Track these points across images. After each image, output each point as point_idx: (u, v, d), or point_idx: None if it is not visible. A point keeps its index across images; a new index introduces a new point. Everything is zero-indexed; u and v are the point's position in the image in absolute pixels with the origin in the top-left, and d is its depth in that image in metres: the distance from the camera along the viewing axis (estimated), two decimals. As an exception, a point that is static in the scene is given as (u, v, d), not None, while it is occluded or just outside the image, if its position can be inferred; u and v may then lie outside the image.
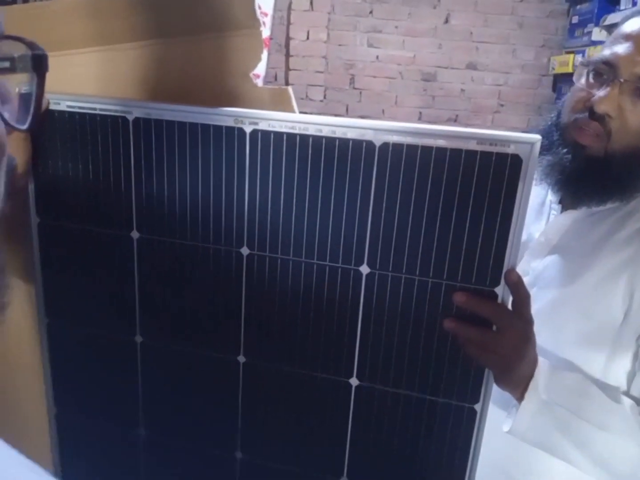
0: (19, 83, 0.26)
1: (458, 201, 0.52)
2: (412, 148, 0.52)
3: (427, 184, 0.52)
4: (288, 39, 3.04)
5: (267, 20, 2.92)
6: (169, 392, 0.66)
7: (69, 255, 0.64)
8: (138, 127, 0.56)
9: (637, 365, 0.66)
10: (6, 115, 0.24)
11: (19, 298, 0.67)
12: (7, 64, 0.23)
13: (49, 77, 0.29)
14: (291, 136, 0.53)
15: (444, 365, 0.57)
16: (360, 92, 3.23)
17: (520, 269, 0.75)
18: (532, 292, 0.72)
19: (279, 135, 0.54)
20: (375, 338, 0.57)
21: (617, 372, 0.67)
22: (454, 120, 3.13)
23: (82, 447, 0.71)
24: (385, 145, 0.52)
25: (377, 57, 3.11)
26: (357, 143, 0.53)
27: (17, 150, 0.59)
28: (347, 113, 3.17)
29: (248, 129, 0.54)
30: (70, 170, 0.60)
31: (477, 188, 0.51)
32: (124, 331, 0.64)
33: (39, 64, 0.25)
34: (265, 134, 0.54)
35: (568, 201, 0.75)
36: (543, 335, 0.67)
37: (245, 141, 0.54)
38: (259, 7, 0.61)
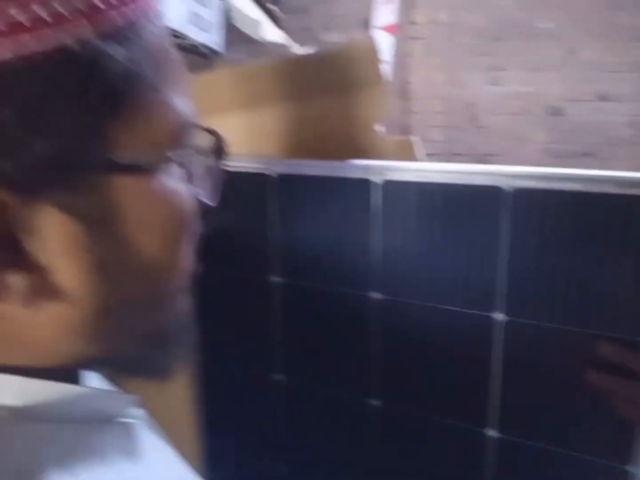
0: (205, 166, 0.30)
1: (600, 247, 0.50)
2: (543, 193, 0.51)
3: (565, 229, 0.51)
4: (407, 83, 3.11)
5: (387, 68, 3.03)
6: (311, 432, 0.69)
7: (217, 298, 0.70)
8: (280, 183, 0.62)
9: None
10: (199, 193, 0.29)
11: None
12: (193, 154, 0.27)
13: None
14: (419, 185, 0.55)
15: (589, 421, 0.53)
16: (482, 130, 3.18)
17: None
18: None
19: (407, 184, 0.56)
20: (511, 390, 0.56)
21: None
22: (589, 155, 2.95)
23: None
24: (516, 190, 0.52)
25: (499, 94, 3.06)
26: (485, 189, 0.53)
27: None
28: (469, 152, 3.14)
29: (378, 180, 0.57)
30: (220, 223, 0.67)
31: (621, 233, 0.49)
32: (263, 367, 0.69)
33: (222, 152, 0.29)
34: (395, 184, 0.56)
35: None
36: None
37: (375, 191, 0.57)
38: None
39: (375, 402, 0.63)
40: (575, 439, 0.54)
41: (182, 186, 0.27)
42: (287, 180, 0.61)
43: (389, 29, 3.02)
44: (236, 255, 0.68)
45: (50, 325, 0.24)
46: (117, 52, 0.22)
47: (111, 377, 0.39)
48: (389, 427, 0.63)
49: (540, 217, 0.51)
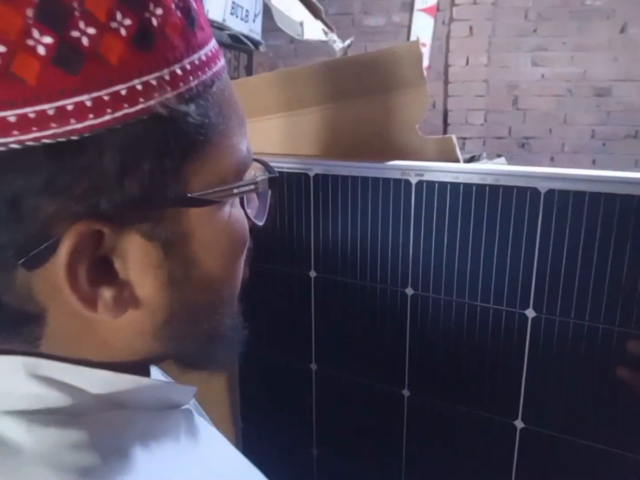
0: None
1: (631, 247, 0.51)
2: (579, 195, 0.52)
3: (597, 229, 0.52)
4: (447, 66, 3.06)
5: (426, 50, 2.98)
6: (343, 419, 0.73)
7: (257, 289, 0.74)
8: (318, 182, 0.65)
9: None
10: (250, 213, 0.33)
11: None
12: (252, 187, 0.31)
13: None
14: (455, 186, 0.57)
15: (617, 414, 0.55)
16: (525, 113, 3.11)
17: None
18: None
19: (443, 185, 0.58)
20: (542, 384, 0.58)
21: None
22: (634, 137, 2.85)
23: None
24: (550, 192, 0.53)
25: (543, 75, 2.98)
26: (522, 190, 0.54)
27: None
28: (509, 135, 3.08)
29: (414, 180, 0.59)
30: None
31: (653, 234, 0.50)
32: (301, 358, 0.73)
33: (274, 184, 0.33)
34: (430, 184, 0.58)
35: None
36: None
37: (411, 191, 0.59)
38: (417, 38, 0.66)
39: (406, 393, 0.66)
40: (601, 432, 0.56)
41: (240, 212, 0.32)
42: (323, 180, 0.64)
43: (429, 10, 2.98)
44: (276, 251, 0.71)
45: (128, 328, 0.29)
46: (192, 109, 0.26)
47: (164, 369, 0.43)
48: (417, 416, 0.66)
49: (572, 217, 0.53)
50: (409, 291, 0.63)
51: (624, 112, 2.89)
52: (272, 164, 0.66)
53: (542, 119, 3.04)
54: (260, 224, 0.35)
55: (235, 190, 0.30)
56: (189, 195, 0.27)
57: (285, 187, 0.68)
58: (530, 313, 0.57)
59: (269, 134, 0.70)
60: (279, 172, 0.67)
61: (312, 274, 0.69)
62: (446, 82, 3.13)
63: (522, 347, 0.58)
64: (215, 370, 0.39)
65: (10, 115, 0.23)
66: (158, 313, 0.29)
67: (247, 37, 2.26)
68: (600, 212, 0.51)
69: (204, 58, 0.27)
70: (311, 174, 0.65)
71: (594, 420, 0.56)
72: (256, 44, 2.41)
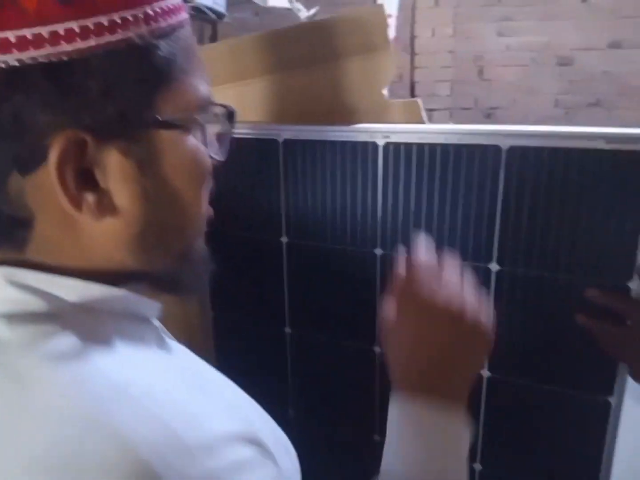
0: (218, 132, 0.39)
1: (588, 198, 0.53)
2: (539, 151, 0.54)
3: (556, 183, 0.54)
4: (413, 37, 3.06)
5: (392, 21, 2.97)
6: (316, 383, 0.75)
7: (230, 256, 0.75)
8: (287, 147, 0.65)
9: None
10: (212, 152, 0.38)
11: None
12: (213, 117, 0.37)
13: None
14: (420, 146, 0.59)
15: (576, 360, 0.58)
16: (490, 83, 3.14)
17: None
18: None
19: (409, 146, 0.59)
20: (506, 333, 0.60)
21: None
22: (596, 105, 2.92)
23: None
24: (512, 148, 0.55)
25: (508, 45, 3.01)
26: (485, 148, 0.56)
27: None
28: (475, 106, 3.11)
29: (381, 143, 0.60)
30: (231, 186, 0.71)
31: (608, 186, 0.52)
32: (275, 322, 0.74)
33: (232, 117, 0.39)
34: (397, 146, 0.60)
35: None
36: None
37: (378, 154, 0.61)
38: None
39: (377, 349, 0.68)
40: (561, 377, 0.59)
41: (202, 146, 0.37)
42: (293, 145, 0.65)
43: (394, -19, 2.96)
44: (247, 217, 0.72)
45: (106, 236, 0.34)
46: (162, 45, 0.32)
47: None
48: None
49: (533, 173, 0.55)
50: (378, 251, 0.65)
51: (586, 81, 2.95)
52: (241, 131, 0.67)
53: (507, 89, 3.08)
54: (221, 159, 0.39)
55: (199, 118, 0.35)
56: (158, 118, 0.33)
57: (255, 154, 0.68)
58: (494, 267, 0.59)
59: (239, 101, 0.70)
60: (248, 139, 0.68)
61: (284, 239, 0.70)
62: (412, 53, 3.13)
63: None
64: (186, 295, 0.44)
65: (11, 35, 0.28)
66: (133, 224, 0.34)
67: (210, 9, 2.21)
68: (560, 166, 0.54)
69: (171, 6, 0.33)
70: (280, 139, 0.66)
71: (557, 366, 0.59)
72: (220, 15, 2.36)
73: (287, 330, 0.74)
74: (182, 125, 0.34)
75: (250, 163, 0.69)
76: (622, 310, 0.55)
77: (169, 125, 0.33)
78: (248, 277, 0.75)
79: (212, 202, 0.76)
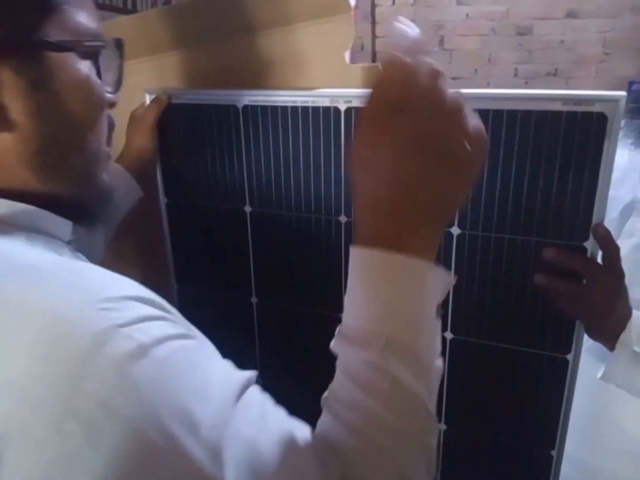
0: (109, 63, 0.43)
1: (545, 160, 0.54)
2: (498, 113, 0.55)
3: (514, 145, 0.55)
4: (373, 6, 3.02)
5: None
6: (283, 352, 0.75)
7: (193, 227, 0.74)
8: (247, 114, 0.64)
9: None
10: (104, 84, 0.41)
11: (155, 266, 0.79)
12: (100, 43, 0.40)
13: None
14: (382, 111, 0.58)
15: (536, 319, 0.60)
16: (451, 53, 3.15)
17: (627, 229, 0.75)
18: (639, 253, 0.73)
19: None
20: (468, 295, 0.62)
21: None
22: (554, 75, 2.96)
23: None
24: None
25: (467, 15, 3.01)
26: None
27: (147, 142, 0.69)
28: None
29: (343, 107, 0.60)
30: (191, 156, 0.69)
31: (564, 147, 0.53)
32: (241, 292, 0.74)
33: (119, 45, 0.43)
34: (359, 110, 0.59)
35: None
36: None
37: (340, 118, 0.60)
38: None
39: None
40: (521, 336, 0.61)
41: (95, 77, 0.40)
42: (253, 111, 0.63)
43: (354, -53, 2.90)
44: (209, 187, 0.71)
45: (6, 152, 0.37)
46: None
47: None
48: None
49: (493, 135, 0.55)
50: (343, 219, 0.65)
51: (544, 50, 2.98)
52: (199, 97, 0.65)
53: (468, 58, 3.09)
54: (113, 91, 0.43)
55: (86, 43, 0.39)
56: (46, 40, 0.36)
57: (214, 121, 0.66)
58: (455, 230, 0.60)
59: (190, 68, 0.68)
60: (207, 105, 0.66)
61: (247, 208, 0.69)
62: (373, 22, 3.10)
63: (449, 262, 0.61)
64: (90, 223, 0.45)
65: None
66: (30, 140, 0.37)
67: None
68: (518, 128, 0.54)
69: None
70: (239, 105, 0.64)
71: (517, 326, 0.61)
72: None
73: (254, 300, 0.74)
74: (70, 48, 0.38)
75: (210, 131, 0.67)
76: (579, 269, 0.56)
77: (56, 47, 0.37)
78: (212, 247, 0.74)
79: (173, 174, 0.75)
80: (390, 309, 0.37)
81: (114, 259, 0.70)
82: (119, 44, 0.43)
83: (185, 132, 0.69)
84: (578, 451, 0.63)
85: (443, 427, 0.68)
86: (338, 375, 0.39)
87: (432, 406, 0.38)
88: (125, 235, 0.71)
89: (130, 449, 0.27)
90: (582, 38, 2.92)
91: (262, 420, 0.34)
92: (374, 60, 3.11)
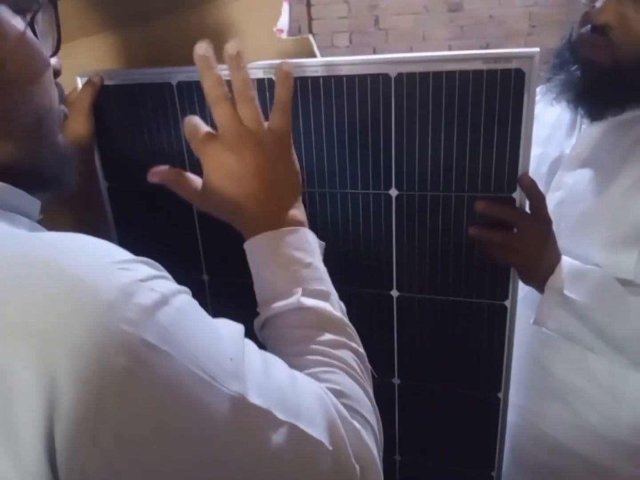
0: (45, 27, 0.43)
1: (471, 118, 0.57)
2: (424, 75, 0.57)
3: (442, 106, 0.58)
4: (307, -12, 3.02)
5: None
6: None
7: (136, 210, 0.73)
8: (182, 91, 0.64)
9: None
10: (42, 45, 0.41)
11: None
12: (35, 6, 0.40)
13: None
14: (315, 80, 0.60)
15: (474, 270, 0.63)
16: (386, 32, 3.19)
17: (554, 184, 0.79)
18: (565, 205, 0.77)
19: (303, 80, 0.60)
20: (409, 254, 0.65)
21: None
22: (485, 48, 3.05)
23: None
24: (400, 75, 0.58)
25: (400, -7, 3.05)
26: (375, 77, 0.58)
27: (83, 126, 0.68)
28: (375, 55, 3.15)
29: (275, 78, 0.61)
30: (129, 137, 0.69)
31: (487, 104, 0.56)
32: (192, 270, 0.74)
33: (55, 3, 0.43)
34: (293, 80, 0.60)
35: (593, 114, 0.77)
36: (574, 244, 0.72)
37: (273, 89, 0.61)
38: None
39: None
40: (462, 287, 0.64)
41: (32, 36, 0.40)
42: (188, 87, 0.64)
43: None
44: (149, 165, 0.70)
45: None
46: None
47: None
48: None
49: (421, 97, 0.58)
50: (286, 189, 0.66)
51: (475, 25, 3.07)
52: (132, 77, 0.65)
53: (403, 37, 3.14)
54: (52, 52, 0.44)
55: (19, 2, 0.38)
56: None
57: (150, 101, 0.66)
58: (393, 192, 0.63)
59: (123, 49, 0.67)
60: (141, 85, 0.65)
61: (190, 186, 0.69)
62: (309, 5, 3.10)
63: (389, 224, 0.64)
64: (54, 190, 0.46)
65: None
66: None
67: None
68: (444, 88, 0.57)
69: None
70: (174, 82, 0.64)
71: (456, 279, 0.64)
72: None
73: (205, 277, 0.75)
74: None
75: (146, 110, 0.67)
76: (509, 219, 0.60)
77: None
78: (158, 226, 0.74)
79: (112, 157, 0.74)
80: (291, 271, 0.50)
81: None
82: (53, 2, 0.43)
83: (121, 113, 0.68)
84: (512, 395, 0.67)
85: (397, 381, 0.71)
86: (277, 334, 0.49)
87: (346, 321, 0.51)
88: (65, 222, 0.70)
89: (174, 376, 0.31)
90: (509, 13, 3.02)
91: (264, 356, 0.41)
92: (311, 42, 3.12)
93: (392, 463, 0.77)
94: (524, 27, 3.02)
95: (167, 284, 0.35)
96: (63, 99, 0.46)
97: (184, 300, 0.36)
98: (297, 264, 0.50)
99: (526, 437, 0.83)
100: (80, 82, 0.68)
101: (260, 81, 0.61)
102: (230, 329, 0.40)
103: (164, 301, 0.33)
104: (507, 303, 0.64)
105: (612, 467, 0.78)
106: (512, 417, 0.71)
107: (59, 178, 0.45)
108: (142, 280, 0.33)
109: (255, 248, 0.53)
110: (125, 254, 0.35)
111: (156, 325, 0.31)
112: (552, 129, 0.84)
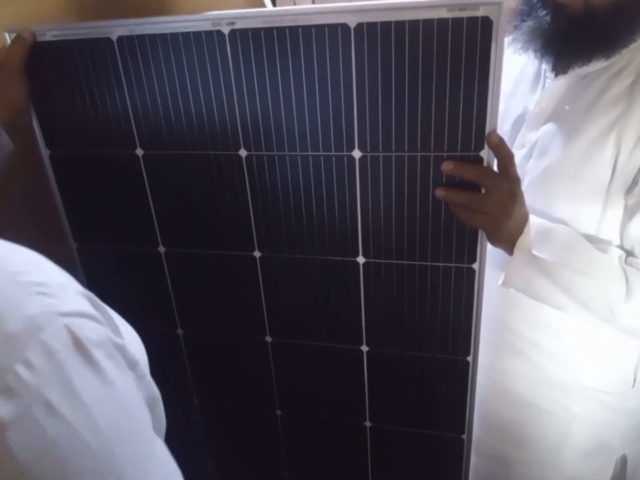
0: None
1: (436, 72, 0.54)
2: (386, 25, 0.53)
3: (405, 58, 0.54)
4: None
5: None
6: (201, 301, 0.73)
7: (83, 179, 0.68)
8: (122, 46, 0.58)
9: (625, 219, 0.68)
10: None
11: (46, 225, 0.73)
12: None
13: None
14: (268, 30, 0.55)
15: (441, 233, 0.61)
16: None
17: (518, 141, 0.77)
18: (529, 162, 0.75)
19: (256, 31, 0.55)
20: (375, 217, 0.62)
21: (610, 228, 0.70)
22: None
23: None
24: (360, 25, 0.53)
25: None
26: (333, 27, 0.54)
27: (15, 87, 0.62)
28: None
29: (226, 30, 0.56)
30: (69, 99, 0.63)
31: (453, 55, 0.53)
32: (147, 241, 0.70)
33: None
34: (243, 32, 0.56)
35: (558, 66, 0.75)
36: (539, 201, 0.70)
37: (225, 42, 0.56)
38: None
39: (257, 254, 0.67)
40: (429, 251, 0.62)
41: None
42: (128, 43, 0.58)
43: None
44: (94, 132, 0.65)
45: None
46: None
47: None
48: (270, 273, 0.68)
49: (383, 48, 0.54)
50: (243, 153, 0.62)
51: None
52: (65, 32, 0.59)
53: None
54: None
55: None
56: None
57: (88, 58, 0.60)
58: (356, 154, 0.59)
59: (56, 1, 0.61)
60: (78, 40, 0.60)
61: (139, 151, 0.65)
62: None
63: (353, 186, 0.60)
64: None
65: None
66: None
67: None
68: (406, 39, 0.53)
69: None
70: (113, 37, 0.58)
71: (424, 242, 0.62)
72: None
73: (161, 249, 0.71)
74: None
75: (85, 69, 0.61)
76: (476, 179, 0.57)
77: None
78: (106, 196, 0.69)
79: (52, 122, 0.68)
80: None
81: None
82: None
83: (57, 73, 0.62)
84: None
85: (365, 348, 0.69)
86: None
87: None
88: (3, 195, 0.64)
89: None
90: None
91: None
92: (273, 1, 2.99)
93: (362, 429, 0.76)
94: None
95: (98, 330, 0.27)
96: None
97: (112, 362, 0.28)
98: None
99: (491, 394, 0.84)
100: (8, 39, 0.62)
101: (208, 33, 0.56)
102: (165, 454, 0.31)
103: (81, 350, 0.26)
104: (476, 266, 0.62)
105: (569, 415, 0.80)
106: (478, 377, 0.71)
107: None
108: (62, 315, 0.25)
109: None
110: (58, 278, 0.28)
111: (60, 379, 0.24)
112: (515, 84, 0.81)
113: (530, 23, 0.70)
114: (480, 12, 0.51)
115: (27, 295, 0.25)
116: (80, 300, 0.27)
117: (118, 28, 0.58)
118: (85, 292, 0.29)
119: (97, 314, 0.28)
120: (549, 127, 0.75)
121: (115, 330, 0.30)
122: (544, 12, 0.69)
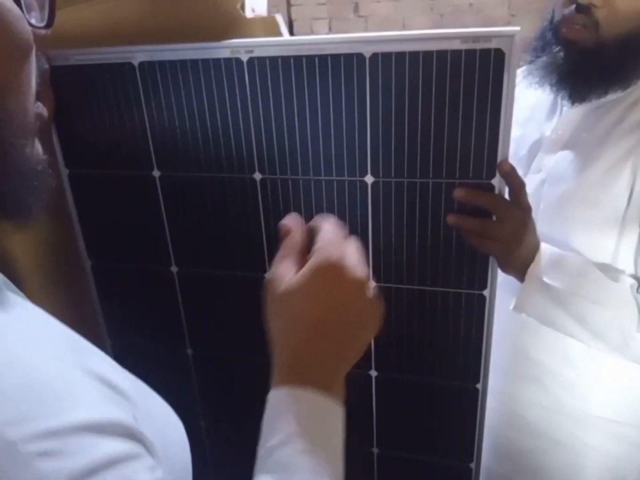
0: None
1: (449, 101, 0.55)
2: (400, 55, 0.54)
3: (418, 88, 0.55)
4: (285, -27, 2.97)
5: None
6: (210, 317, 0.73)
7: (100, 198, 0.70)
8: (144, 71, 0.60)
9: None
10: (32, 21, 0.31)
11: (63, 243, 0.74)
12: None
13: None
14: (285, 59, 0.57)
15: (452, 259, 0.61)
16: (366, 19, 3.15)
17: (534, 165, 0.78)
18: (544, 187, 0.76)
19: (273, 59, 0.57)
20: (386, 242, 0.62)
21: (625, 256, 0.70)
22: (465, 36, 3.03)
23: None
24: (374, 55, 0.55)
25: (379, -20, 3.02)
26: (348, 57, 0.55)
27: (43, 99, 0.64)
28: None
29: (244, 58, 0.57)
30: (90, 120, 0.65)
31: (466, 86, 0.54)
32: (160, 262, 0.71)
33: None
34: (261, 60, 0.57)
35: (575, 96, 0.76)
36: (554, 227, 0.71)
37: (243, 69, 0.58)
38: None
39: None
40: (440, 277, 0.62)
41: (15, 9, 0.29)
42: (149, 68, 0.60)
43: None
44: (113, 153, 0.67)
45: None
46: None
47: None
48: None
49: (397, 78, 0.55)
50: (257, 176, 0.63)
51: (454, 13, 3.05)
52: (88, 56, 0.61)
53: (382, 24, 3.11)
54: (43, 24, 0.33)
55: None
56: None
57: (109, 82, 0.62)
58: (369, 179, 0.60)
59: (82, 25, 0.63)
60: (100, 65, 0.62)
61: (156, 173, 0.66)
62: (287, -10, 3.05)
63: (365, 212, 0.61)
64: (25, 219, 0.35)
65: None
66: None
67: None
68: (420, 69, 0.54)
69: None
70: (135, 62, 0.60)
71: (435, 268, 0.62)
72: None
73: (174, 269, 0.72)
74: None
75: (106, 92, 0.63)
76: (487, 206, 0.58)
77: None
78: (122, 215, 0.70)
79: (72, 142, 0.69)
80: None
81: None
82: None
83: (79, 95, 0.64)
84: (490, 380, 0.66)
85: (374, 373, 0.69)
86: None
87: None
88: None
89: None
90: (489, 1, 3.00)
91: None
92: (290, 28, 3.06)
93: (370, 456, 0.75)
94: (504, 15, 3.01)
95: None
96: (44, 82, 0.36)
97: None
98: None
99: (503, 421, 0.83)
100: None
101: (227, 60, 0.58)
102: None
103: None
104: (486, 293, 0.62)
105: (583, 447, 0.79)
106: (490, 402, 0.70)
107: (23, 203, 0.34)
108: (82, 475, 0.19)
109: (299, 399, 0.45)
110: (72, 410, 0.21)
111: None
112: (532, 110, 0.82)
113: (544, 59, 0.72)
114: (493, 44, 0.52)
115: (24, 465, 0.18)
116: (107, 444, 0.20)
117: (139, 54, 0.60)
118: (122, 423, 0.22)
119: (133, 448, 0.22)
120: (566, 153, 0.76)
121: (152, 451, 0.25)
122: (557, 48, 0.70)
